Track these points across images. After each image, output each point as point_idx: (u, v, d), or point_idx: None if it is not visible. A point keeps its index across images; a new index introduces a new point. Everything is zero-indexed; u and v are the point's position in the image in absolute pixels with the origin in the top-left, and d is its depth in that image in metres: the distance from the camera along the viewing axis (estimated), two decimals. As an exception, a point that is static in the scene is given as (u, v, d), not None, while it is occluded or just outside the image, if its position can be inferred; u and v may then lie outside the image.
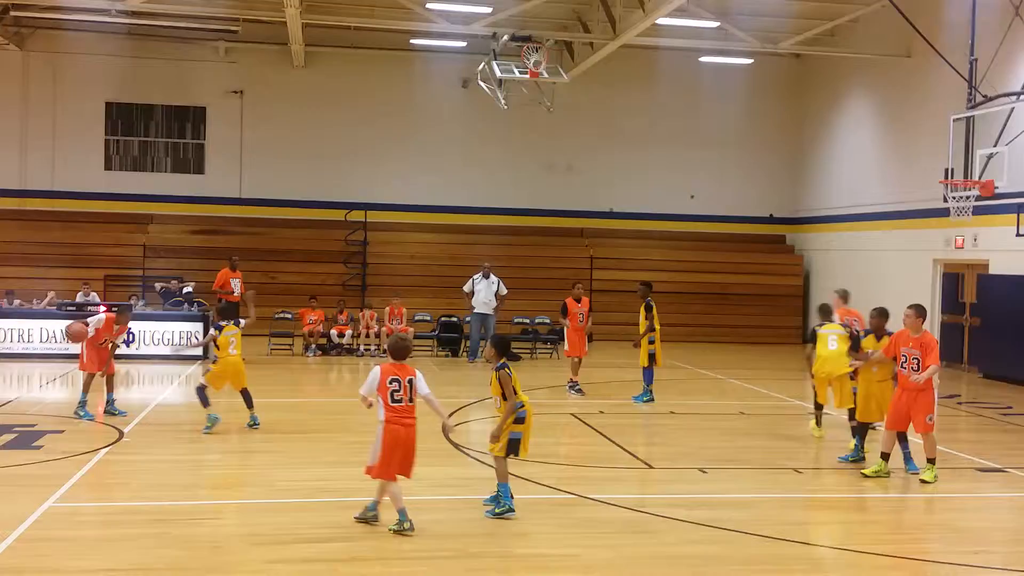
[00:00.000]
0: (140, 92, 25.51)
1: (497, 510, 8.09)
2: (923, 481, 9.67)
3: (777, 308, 25.74)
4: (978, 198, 16.78)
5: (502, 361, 8.25)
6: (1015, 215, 17.76)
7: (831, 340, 11.33)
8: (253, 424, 11.59)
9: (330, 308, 20.77)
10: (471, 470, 10.05)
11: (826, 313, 12.01)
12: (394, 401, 7.54)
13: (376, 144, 25.98)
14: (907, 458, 10.13)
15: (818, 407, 11.99)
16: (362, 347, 20.41)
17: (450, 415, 12.83)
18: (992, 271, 19.15)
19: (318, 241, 25.02)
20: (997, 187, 16.44)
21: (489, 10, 20.41)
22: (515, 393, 8.12)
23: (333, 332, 20.46)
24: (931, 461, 9.74)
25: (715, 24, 21.35)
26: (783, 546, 7.45)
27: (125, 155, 25.74)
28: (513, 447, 8.13)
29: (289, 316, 20.59)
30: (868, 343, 10.54)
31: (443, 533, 7.67)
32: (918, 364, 9.57)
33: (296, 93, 25.84)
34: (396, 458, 7.54)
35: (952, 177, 16.48)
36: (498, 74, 20.13)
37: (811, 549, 7.70)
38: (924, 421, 9.64)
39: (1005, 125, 17.26)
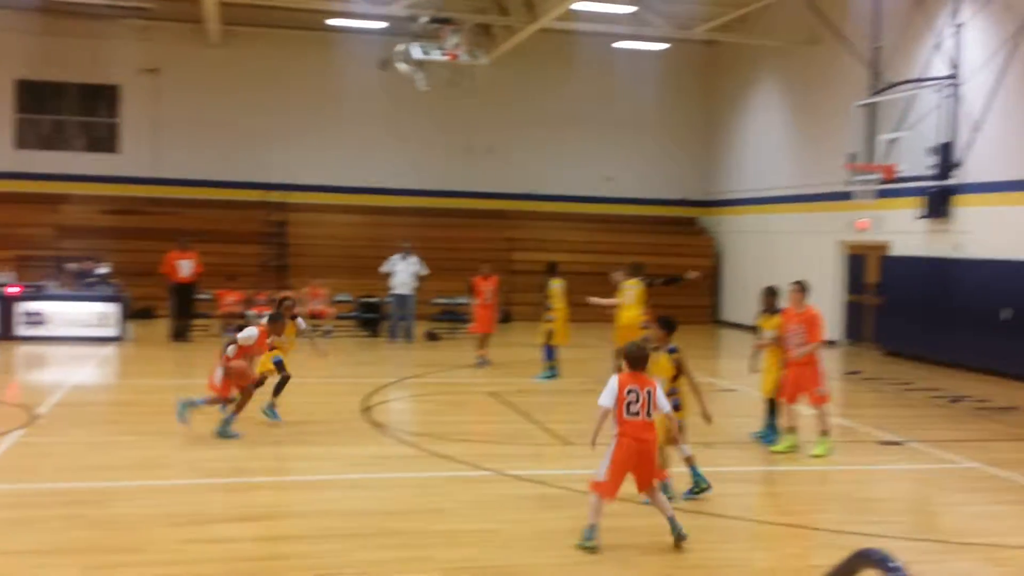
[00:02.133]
0: (52, 70, 24.73)
1: (696, 490, 8.17)
2: (814, 455, 9.96)
3: (690, 289, 26.11)
4: (881, 181, 17.42)
5: (673, 344, 8.21)
6: (915, 198, 18.53)
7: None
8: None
9: (248, 289, 20.55)
10: (391, 448, 10.16)
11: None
12: (630, 414, 6.88)
13: (295, 124, 25.72)
14: (770, 430, 10.46)
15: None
16: (280, 329, 20.25)
17: (370, 394, 13.00)
18: (894, 252, 19.94)
19: (237, 222, 24.67)
20: (899, 171, 17.10)
21: (407, -9, 20.34)
22: (677, 378, 8.11)
23: (251, 313, 20.24)
24: (824, 434, 10.07)
25: (631, 9, 21.66)
26: (694, 517, 7.74)
27: (36, 134, 24.98)
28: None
29: (207, 297, 20.33)
30: (761, 322, 10.75)
31: (362, 510, 7.78)
32: (801, 339, 9.94)
33: (213, 72, 25.39)
34: (623, 476, 6.94)
35: (856, 161, 17.09)
36: (417, 55, 20.08)
37: (720, 520, 8.02)
38: (815, 394, 10.01)
39: (906, 111, 17.95)
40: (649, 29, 22.84)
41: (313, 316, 20.45)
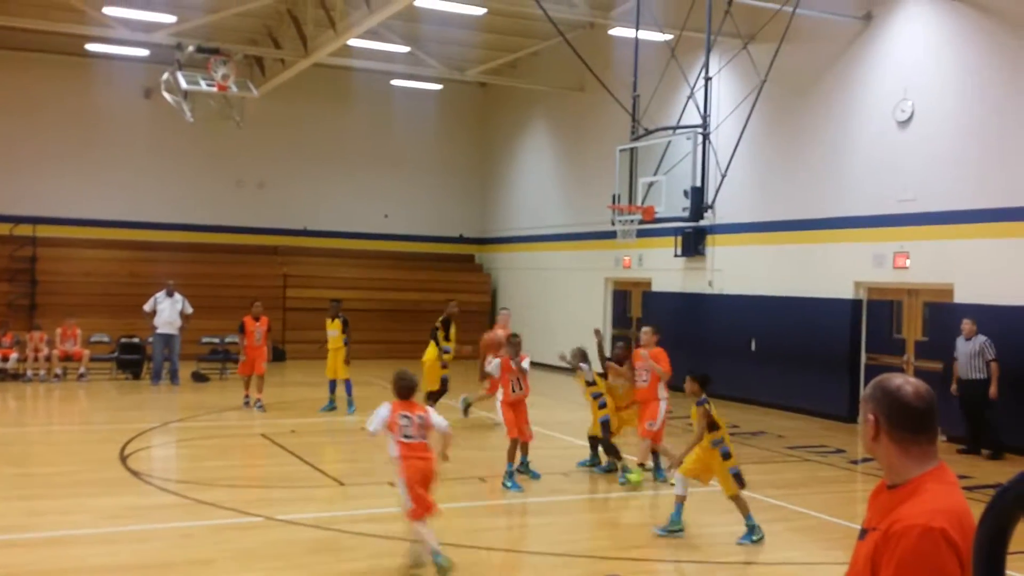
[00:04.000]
0: None
1: (755, 538, 8.29)
2: (626, 481, 10.53)
3: (467, 324, 26.38)
4: (641, 222, 18.40)
5: (704, 396, 8.56)
6: (672, 238, 19.72)
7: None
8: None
9: (-9, 331, 18.92)
10: (151, 497, 9.59)
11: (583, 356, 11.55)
12: (406, 438, 7.16)
13: (47, 154, 24.01)
14: (656, 468, 11.02)
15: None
16: (30, 372, 18.77)
17: (129, 440, 12.24)
18: (654, 288, 21.09)
19: (-23, 258, 22.68)
20: (657, 212, 18.12)
21: (173, 19, 19.58)
22: (718, 427, 8.43)
23: (-6, 357, 18.65)
24: (641, 465, 10.77)
25: (406, 49, 21.89)
26: (468, 553, 7.79)
27: None
28: (739, 480, 8.36)
29: (-59, 340, 18.52)
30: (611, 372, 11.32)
31: (116, 566, 7.29)
32: (647, 376, 10.68)
33: (-49, 95, 23.34)
34: (424, 492, 7.13)
35: (618, 202, 17.92)
36: (183, 85, 19.36)
37: (495, 554, 8.10)
38: (644, 427, 10.66)
39: (663, 156, 19.10)
40: (423, 69, 23.15)
41: (66, 358, 19.10)
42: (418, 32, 22.21)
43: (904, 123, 15.34)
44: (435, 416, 7.34)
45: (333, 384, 15.63)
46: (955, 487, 2.69)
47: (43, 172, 23.98)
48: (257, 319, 16.12)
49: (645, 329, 11.11)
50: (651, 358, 10.69)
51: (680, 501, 8.59)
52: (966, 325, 13.36)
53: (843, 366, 16.19)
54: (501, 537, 8.89)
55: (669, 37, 17.58)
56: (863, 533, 2.74)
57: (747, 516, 8.40)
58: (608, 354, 11.88)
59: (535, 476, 10.72)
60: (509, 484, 10.17)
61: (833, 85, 16.76)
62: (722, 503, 9.83)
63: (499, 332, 14.15)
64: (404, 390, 7.36)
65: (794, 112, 17.53)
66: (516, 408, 10.62)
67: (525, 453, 10.79)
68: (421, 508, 7.07)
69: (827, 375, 16.34)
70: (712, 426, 8.51)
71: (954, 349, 13.48)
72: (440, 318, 15.08)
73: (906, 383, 2.72)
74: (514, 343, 10.90)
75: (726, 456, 8.45)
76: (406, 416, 7.18)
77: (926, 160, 14.97)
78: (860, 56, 16.27)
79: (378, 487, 10.20)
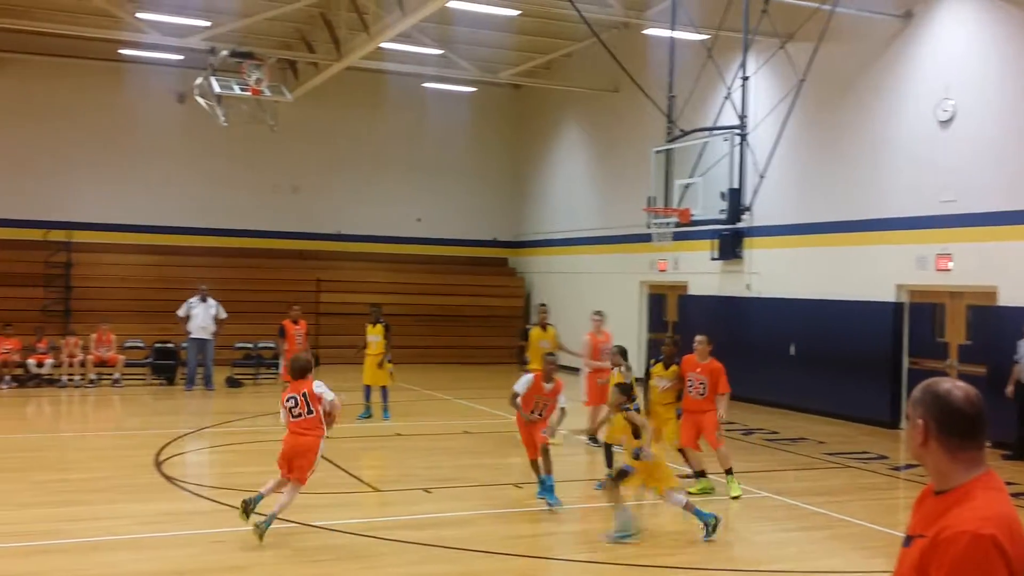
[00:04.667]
0: None
1: (618, 534, 8.20)
2: (734, 497, 10.08)
3: (500, 329, 26.51)
4: (677, 224, 18.19)
5: (627, 403, 8.66)
6: (709, 240, 19.45)
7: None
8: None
9: (27, 336, 19.05)
10: (184, 503, 9.53)
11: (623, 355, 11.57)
12: (293, 417, 8.03)
13: (82, 159, 24.20)
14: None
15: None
16: (65, 377, 18.87)
17: (164, 446, 12.21)
18: (691, 292, 20.82)
19: (13, 263, 22.80)
20: (693, 215, 17.90)
21: (207, 24, 19.65)
22: (638, 436, 8.40)
23: (31, 362, 18.78)
24: (729, 472, 10.30)
25: (438, 52, 21.81)
26: (503, 560, 7.65)
27: None
28: (622, 476, 8.36)
29: (-21, 345, 18.67)
30: (658, 370, 10.83)
31: (149, 572, 7.21)
32: (704, 388, 10.22)
33: (-12, 101, 23.58)
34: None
35: (654, 205, 17.73)
36: (217, 90, 19.38)
37: (530, 561, 7.95)
38: (715, 437, 10.28)
39: (700, 157, 18.88)
40: (456, 72, 23.07)
41: (101, 363, 19.19)
42: (451, 34, 22.13)
43: (946, 123, 15.00)
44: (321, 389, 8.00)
45: (368, 390, 15.39)
46: (1004, 493, 2.66)
47: (77, 177, 24.17)
48: (296, 323, 16.06)
49: (699, 338, 10.53)
50: (709, 372, 10.27)
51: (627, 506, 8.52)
52: (1030, 327, 12.98)
53: (885, 370, 15.84)
54: (535, 544, 8.72)
55: (705, 37, 17.35)
56: (908, 540, 2.71)
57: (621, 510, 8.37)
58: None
59: (553, 502, 9.51)
60: (549, 500, 9.51)
61: (873, 84, 16.44)
62: (763, 511, 9.60)
63: (592, 338, 13.57)
64: (297, 371, 8.16)
65: (833, 112, 17.21)
66: (529, 428, 9.81)
67: (546, 472, 9.72)
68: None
69: (868, 380, 16.00)
70: (635, 434, 8.47)
71: (1015, 351, 13.08)
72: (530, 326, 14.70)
73: (955, 387, 2.69)
74: (550, 361, 9.91)
75: (635, 456, 8.34)
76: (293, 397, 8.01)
77: (968, 160, 14.63)
78: (900, 55, 15.94)
79: (413, 493, 10.09)
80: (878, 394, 15.85)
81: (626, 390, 8.93)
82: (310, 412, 7.89)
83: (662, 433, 10.51)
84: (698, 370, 10.34)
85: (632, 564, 7.83)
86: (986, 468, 2.66)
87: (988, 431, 2.68)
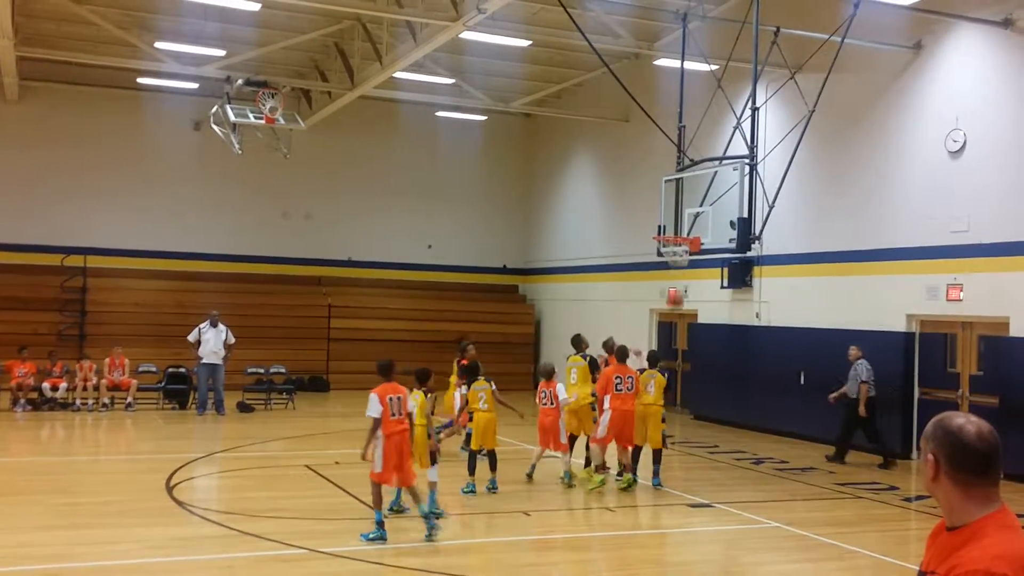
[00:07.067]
0: None
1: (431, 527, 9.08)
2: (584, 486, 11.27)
3: (510, 355, 26.54)
4: (687, 253, 18.25)
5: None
6: (719, 269, 19.50)
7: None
8: (492, 488, 11.35)
9: (42, 360, 19.20)
10: (195, 528, 9.58)
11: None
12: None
13: (98, 186, 24.46)
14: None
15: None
16: (79, 401, 18.99)
17: (175, 471, 12.28)
18: (700, 320, 20.84)
19: (30, 287, 23.03)
20: (703, 244, 17.96)
21: (222, 53, 19.93)
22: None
23: (46, 385, 18.92)
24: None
25: (450, 81, 22.04)
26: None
27: None
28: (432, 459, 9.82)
29: (-6, 369, 18.82)
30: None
31: (162, 597, 7.26)
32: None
33: (8, 129, 23.86)
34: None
35: (664, 233, 17.81)
36: (232, 118, 19.61)
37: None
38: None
39: (710, 186, 18.96)
40: (468, 101, 23.28)
41: (114, 387, 19.30)
42: (463, 64, 22.37)
43: (956, 153, 15.06)
44: None
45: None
46: (1018, 531, 2.60)
47: (94, 204, 24.42)
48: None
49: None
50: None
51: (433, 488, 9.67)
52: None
53: (896, 401, 15.81)
54: (544, 573, 8.73)
55: (715, 67, 17.48)
56: None
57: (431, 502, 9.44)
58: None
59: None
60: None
61: (883, 115, 16.53)
62: (773, 541, 9.60)
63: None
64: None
65: (843, 142, 17.31)
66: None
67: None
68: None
69: (879, 410, 15.95)
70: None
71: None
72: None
73: (968, 423, 2.63)
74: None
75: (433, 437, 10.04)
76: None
77: (979, 190, 14.67)
78: (910, 86, 16.04)
79: (422, 520, 10.09)
80: (889, 424, 15.79)
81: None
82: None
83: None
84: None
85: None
86: (1000, 504, 2.62)
87: (1002, 467, 2.63)
